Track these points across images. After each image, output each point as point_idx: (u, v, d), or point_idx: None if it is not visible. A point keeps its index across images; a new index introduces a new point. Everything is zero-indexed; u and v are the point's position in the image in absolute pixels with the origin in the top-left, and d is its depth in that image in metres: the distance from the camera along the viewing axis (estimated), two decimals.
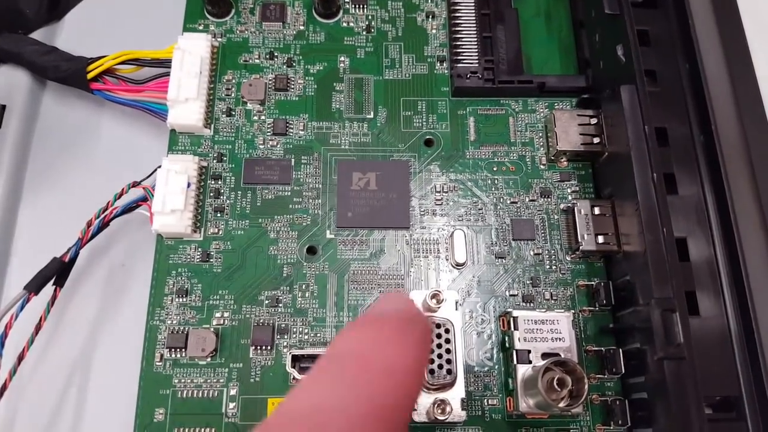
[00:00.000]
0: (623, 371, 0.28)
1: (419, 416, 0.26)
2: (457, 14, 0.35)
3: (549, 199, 0.32)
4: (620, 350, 0.28)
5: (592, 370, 0.29)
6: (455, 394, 0.26)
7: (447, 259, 0.30)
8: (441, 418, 0.26)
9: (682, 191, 0.33)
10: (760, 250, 0.34)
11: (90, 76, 0.34)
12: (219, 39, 0.36)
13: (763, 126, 0.38)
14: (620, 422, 0.28)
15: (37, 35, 0.37)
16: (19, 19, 0.37)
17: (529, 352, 0.27)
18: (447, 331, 0.27)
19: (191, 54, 0.34)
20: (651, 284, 0.26)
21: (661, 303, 0.25)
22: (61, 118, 0.36)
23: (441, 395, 0.26)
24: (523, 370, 0.27)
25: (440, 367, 0.26)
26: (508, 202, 0.32)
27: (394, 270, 0.30)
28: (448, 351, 0.26)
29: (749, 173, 0.36)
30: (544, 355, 0.27)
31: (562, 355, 0.27)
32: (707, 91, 0.35)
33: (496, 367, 0.28)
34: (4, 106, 0.35)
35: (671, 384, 0.25)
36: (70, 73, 0.34)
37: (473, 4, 0.36)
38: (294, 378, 0.27)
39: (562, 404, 0.25)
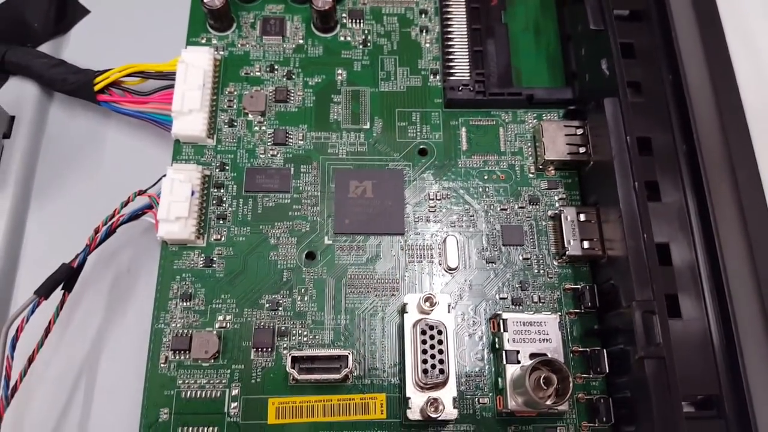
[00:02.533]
0: (607, 371, 0.29)
1: (413, 414, 0.27)
2: (450, 29, 0.37)
3: (537, 207, 0.33)
4: (605, 351, 0.30)
5: (578, 370, 0.30)
6: (447, 393, 0.28)
7: (440, 264, 0.32)
8: (434, 415, 0.27)
9: (665, 198, 0.35)
10: (740, 255, 0.35)
11: (97, 88, 0.35)
12: (221, 52, 0.37)
13: (745, 135, 0.40)
14: (605, 420, 0.29)
15: (44, 48, 0.38)
16: (26, 33, 0.39)
17: (518, 352, 0.29)
18: (440, 332, 0.28)
19: (194, 67, 0.35)
20: (633, 287, 0.27)
21: (641, 305, 0.27)
22: (68, 128, 0.37)
23: (434, 394, 0.27)
24: (512, 370, 0.28)
25: (433, 367, 0.27)
26: (498, 209, 0.33)
27: (389, 274, 0.32)
28: (440, 351, 0.28)
29: (730, 181, 0.38)
30: (532, 356, 0.29)
31: (549, 355, 0.28)
32: (690, 102, 0.37)
33: (487, 367, 0.30)
34: (13, 117, 0.36)
35: (652, 382, 0.26)
36: (77, 86, 0.36)
37: (465, 20, 0.37)
38: (294, 378, 0.29)
39: (548, 402, 0.27)
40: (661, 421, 0.26)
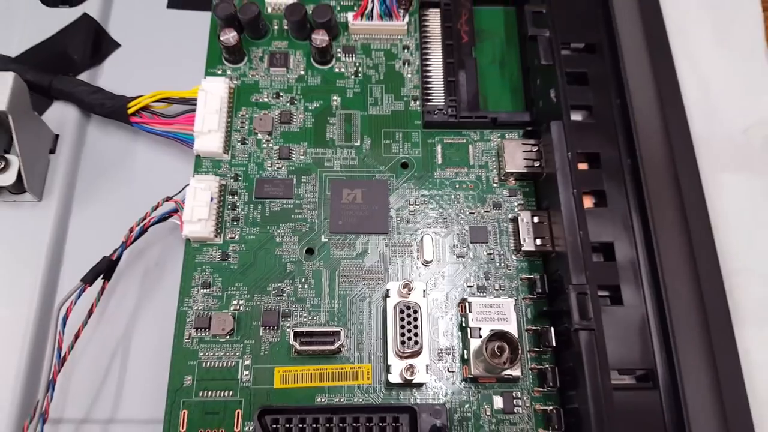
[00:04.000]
0: (554, 345, 0.34)
1: (393, 378, 0.33)
2: (428, 62, 0.43)
3: (499, 211, 0.39)
4: (552, 329, 0.35)
5: (531, 345, 0.36)
6: (421, 361, 0.33)
7: (418, 258, 0.38)
8: (410, 378, 0.33)
9: (610, 205, 0.41)
10: (674, 252, 0.41)
11: (130, 111, 0.41)
12: (235, 82, 0.42)
13: (689, 151, 0.44)
14: (551, 385, 0.34)
15: (83, 77, 0.44)
16: (68, 64, 0.45)
17: (480, 329, 0.34)
18: (415, 312, 0.34)
19: (213, 94, 0.40)
20: (570, 274, 0.33)
21: (576, 288, 0.32)
22: (104, 145, 0.43)
23: (410, 361, 0.33)
24: (474, 344, 0.34)
25: (409, 339, 0.33)
26: (467, 212, 0.39)
27: (375, 267, 0.37)
28: (416, 327, 0.33)
29: (668, 189, 0.43)
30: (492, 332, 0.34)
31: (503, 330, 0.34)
32: (634, 122, 0.42)
33: (456, 341, 0.35)
34: (57, 136, 0.42)
35: (585, 351, 0.32)
36: (113, 109, 0.41)
37: (441, 54, 0.43)
38: (295, 350, 0.34)
39: (503, 367, 0.32)
40: (592, 385, 0.31)
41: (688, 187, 0.42)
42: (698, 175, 0.43)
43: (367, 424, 0.31)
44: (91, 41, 0.45)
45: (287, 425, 0.31)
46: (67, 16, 0.46)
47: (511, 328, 0.33)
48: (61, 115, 0.42)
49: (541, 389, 0.35)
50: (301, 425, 0.31)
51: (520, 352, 0.32)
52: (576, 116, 0.43)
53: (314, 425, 0.31)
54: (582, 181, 0.38)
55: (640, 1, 0.48)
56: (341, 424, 0.31)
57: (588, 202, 0.41)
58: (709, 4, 0.52)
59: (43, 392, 0.32)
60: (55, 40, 0.45)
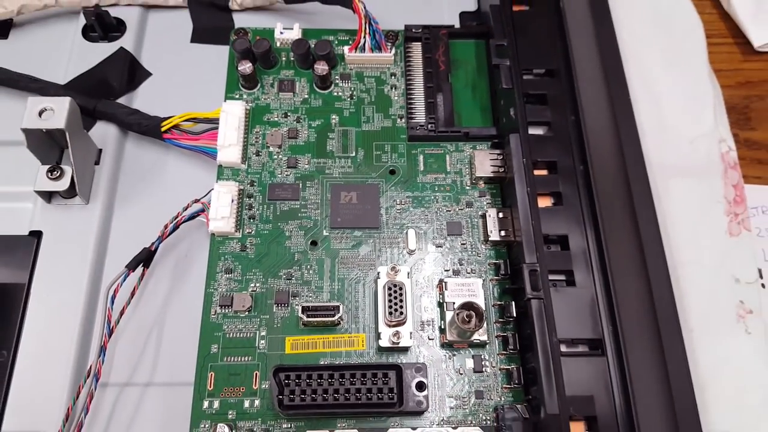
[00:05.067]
0: (515, 315, 0.40)
1: (383, 342, 0.39)
2: (411, 86, 0.49)
3: (471, 209, 0.45)
4: (513, 302, 0.40)
5: (497, 317, 0.41)
6: (406, 329, 0.39)
7: (404, 248, 0.44)
8: (396, 342, 0.39)
9: (566, 203, 0.45)
10: (619, 242, 0.44)
11: (163, 129, 0.45)
12: (250, 104, 0.47)
13: (639, 159, 0.47)
14: (513, 348, 0.40)
15: (121, 100, 0.49)
16: (108, 90, 0.50)
17: (454, 303, 0.40)
18: (400, 289, 0.40)
19: (232, 114, 0.45)
20: (524, 256, 0.40)
21: (528, 266, 0.39)
22: (141, 158, 0.47)
23: (397, 329, 0.40)
24: (449, 315, 0.40)
25: (395, 310, 0.39)
26: (445, 210, 0.44)
27: (368, 255, 0.43)
28: (401, 301, 0.40)
29: (618, 191, 0.46)
30: None
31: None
32: (585, 135, 0.47)
33: (435, 315, 0.41)
34: (101, 150, 0.47)
35: (536, 317, 0.37)
36: (148, 128, 0.46)
37: (422, 80, 0.49)
38: (303, 323, 0.40)
39: (472, 330, 0.39)
40: (542, 343, 0.37)
41: (638, 189, 0.45)
42: (647, 180, 0.46)
43: (362, 378, 0.37)
44: (127, 71, 0.50)
45: (297, 380, 0.37)
46: (106, 49, 0.51)
47: (479, 301, 0.40)
48: (103, 133, 0.47)
49: (504, 352, 0.40)
50: (308, 380, 0.38)
51: (484, 318, 0.39)
52: (537, 130, 0.48)
53: (319, 380, 0.37)
54: (541, 184, 0.45)
55: (597, 30, 0.52)
56: (341, 380, 0.37)
57: (547, 201, 0.46)
58: (660, 30, 0.56)
59: (96, 357, 0.38)
60: (97, 70, 0.50)
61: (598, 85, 0.51)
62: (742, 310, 0.47)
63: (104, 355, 0.39)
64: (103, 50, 0.51)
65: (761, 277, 0.49)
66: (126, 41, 0.52)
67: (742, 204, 0.51)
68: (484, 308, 0.39)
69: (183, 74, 0.51)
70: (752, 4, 0.59)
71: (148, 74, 0.52)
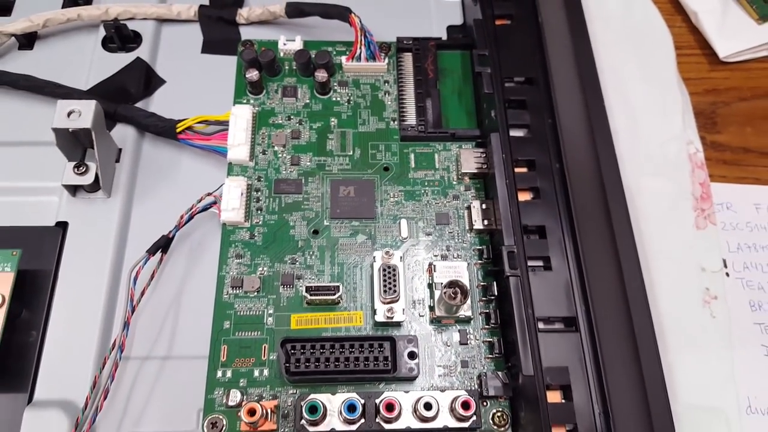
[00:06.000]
0: (496, 294, 0.43)
1: (379, 317, 0.43)
2: (403, 92, 0.52)
3: (458, 201, 0.48)
4: (495, 282, 0.43)
5: (480, 296, 0.45)
6: (399, 305, 0.44)
7: (397, 236, 0.48)
8: (390, 317, 0.43)
9: (543, 197, 0.48)
10: (592, 232, 0.47)
11: (178, 130, 0.49)
12: (256, 108, 0.51)
13: (613, 159, 0.50)
14: (494, 323, 0.43)
15: (138, 105, 0.53)
16: (126, 95, 0.54)
17: (442, 283, 0.44)
18: (394, 270, 0.44)
19: (241, 117, 0.49)
20: (503, 240, 0.45)
21: (507, 248, 0.43)
22: (157, 156, 0.51)
23: (391, 305, 0.44)
24: (437, 294, 0.45)
25: (389, 289, 0.44)
26: (434, 203, 0.48)
27: (365, 243, 0.46)
28: (394, 280, 0.44)
29: (592, 186, 0.49)
30: None
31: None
32: (561, 136, 0.50)
33: (425, 295, 0.46)
34: (120, 149, 0.51)
35: (513, 292, 0.41)
36: (165, 129, 0.50)
37: (413, 87, 0.52)
38: (307, 301, 0.45)
39: (458, 305, 0.44)
40: (519, 316, 0.40)
41: (611, 186, 0.48)
42: (620, 178, 0.48)
43: (360, 348, 0.42)
44: (144, 78, 0.54)
45: (302, 350, 0.41)
46: (124, 59, 0.55)
47: (464, 280, 0.44)
48: (123, 134, 0.51)
49: (487, 327, 0.44)
50: (311, 350, 0.42)
51: (468, 295, 0.43)
52: (518, 132, 0.52)
53: (321, 350, 0.42)
54: (521, 180, 0.48)
55: (574, 42, 0.54)
56: (341, 349, 0.42)
57: (527, 196, 0.49)
58: (634, 43, 0.60)
59: (120, 331, 0.42)
60: (116, 77, 0.54)
61: (575, 92, 0.55)
62: (708, 297, 0.50)
63: (128, 329, 0.43)
64: (121, 60, 0.55)
65: (725, 266, 0.53)
66: (142, 51, 0.56)
67: (709, 200, 0.54)
68: (468, 286, 0.44)
69: (194, 81, 0.55)
70: (718, 19, 0.63)
71: (162, 81, 0.55)
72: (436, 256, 0.47)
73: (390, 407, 0.39)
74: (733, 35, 0.62)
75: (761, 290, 0.52)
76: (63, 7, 0.58)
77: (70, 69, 0.54)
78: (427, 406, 0.40)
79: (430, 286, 0.45)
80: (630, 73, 0.58)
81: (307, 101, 0.52)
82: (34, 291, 0.47)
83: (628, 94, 0.57)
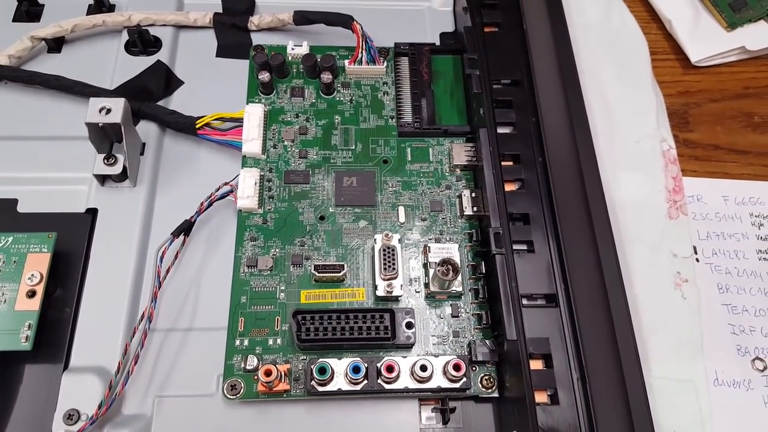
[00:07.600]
0: (484, 272, 0.47)
1: (379, 292, 0.47)
2: (401, 93, 0.56)
3: (450, 190, 0.52)
4: (483, 262, 0.47)
5: (470, 275, 0.50)
6: (397, 282, 0.48)
7: (395, 222, 0.52)
8: (390, 291, 0.48)
9: (526, 188, 0.51)
10: (572, 219, 0.50)
11: (197, 126, 0.53)
12: (267, 106, 0.54)
13: (591, 154, 0.52)
14: (482, 298, 0.47)
15: (159, 104, 0.58)
16: (148, 95, 0.58)
17: (436, 262, 0.49)
18: (393, 251, 0.49)
19: (254, 114, 0.52)
20: (491, 222, 0.50)
21: (494, 229, 0.49)
22: (177, 150, 0.54)
23: (390, 281, 0.49)
24: (431, 272, 0.50)
25: (389, 267, 0.49)
26: (429, 192, 0.52)
27: (366, 228, 0.50)
28: (393, 260, 0.49)
29: (571, 178, 0.53)
30: None
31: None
32: (544, 132, 0.53)
33: (420, 273, 0.50)
34: (144, 143, 0.56)
35: (499, 269, 0.45)
36: (184, 125, 0.53)
37: (409, 87, 0.56)
38: (314, 279, 0.50)
39: (450, 280, 0.49)
40: (504, 291, 0.44)
41: (590, 178, 0.51)
42: (598, 172, 0.51)
43: (363, 319, 0.46)
44: (164, 79, 0.57)
45: (311, 320, 0.46)
46: (145, 62, 0.58)
47: (455, 258, 0.49)
48: (146, 130, 0.54)
49: (476, 301, 0.47)
50: (320, 320, 0.46)
51: (459, 271, 0.48)
52: (505, 129, 0.56)
53: (329, 320, 0.46)
54: (507, 173, 0.52)
55: (556, 47, 0.58)
56: (346, 320, 0.46)
57: (513, 186, 0.54)
58: (612, 47, 0.64)
59: (148, 303, 0.47)
60: (139, 78, 0.57)
61: (557, 93, 0.59)
62: (679, 280, 0.54)
63: (155, 302, 0.48)
64: (142, 62, 0.59)
65: (695, 252, 0.56)
66: (162, 55, 0.59)
67: (680, 193, 0.57)
68: (459, 264, 0.49)
69: (209, 82, 0.58)
70: (690, 26, 0.67)
71: (181, 82, 0.59)
72: (430, 239, 0.51)
73: (390, 369, 0.44)
74: (704, 41, 0.65)
75: (728, 274, 0.55)
76: (88, 13, 0.61)
77: (96, 71, 0.58)
78: (423, 368, 0.45)
79: (425, 265, 0.49)
80: (608, 76, 0.62)
81: (314, 101, 0.56)
82: (67, 271, 0.51)
83: (606, 95, 0.61)
